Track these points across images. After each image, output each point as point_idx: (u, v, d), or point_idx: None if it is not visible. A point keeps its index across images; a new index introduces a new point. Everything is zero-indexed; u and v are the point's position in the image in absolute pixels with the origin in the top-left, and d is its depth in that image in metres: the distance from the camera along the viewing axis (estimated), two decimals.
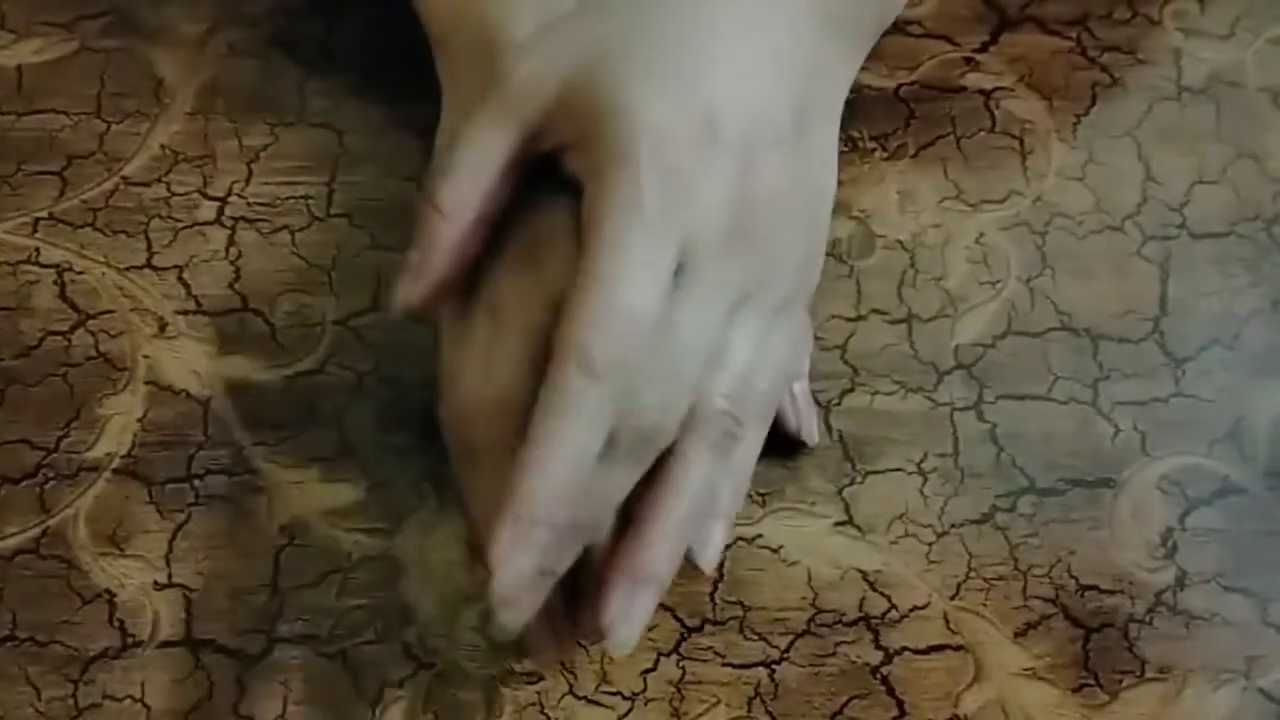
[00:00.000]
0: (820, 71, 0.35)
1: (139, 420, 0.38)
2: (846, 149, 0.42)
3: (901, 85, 0.44)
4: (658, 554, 0.31)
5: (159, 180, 0.42)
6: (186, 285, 0.40)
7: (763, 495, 0.37)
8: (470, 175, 0.32)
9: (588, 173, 0.31)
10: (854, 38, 0.37)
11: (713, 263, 0.31)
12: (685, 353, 0.31)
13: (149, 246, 0.41)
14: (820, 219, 0.35)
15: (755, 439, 0.34)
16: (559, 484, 0.29)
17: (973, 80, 0.44)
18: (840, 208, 0.39)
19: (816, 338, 0.39)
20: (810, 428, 0.38)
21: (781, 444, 0.37)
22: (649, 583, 0.31)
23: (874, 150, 0.42)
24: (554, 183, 0.32)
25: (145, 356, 0.39)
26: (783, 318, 0.34)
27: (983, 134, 0.43)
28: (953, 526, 0.37)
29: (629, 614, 0.31)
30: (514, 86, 0.32)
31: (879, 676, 0.35)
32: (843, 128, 0.36)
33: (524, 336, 0.31)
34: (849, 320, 0.40)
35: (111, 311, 0.40)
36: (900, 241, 0.41)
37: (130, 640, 0.35)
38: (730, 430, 0.32)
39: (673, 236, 0.30)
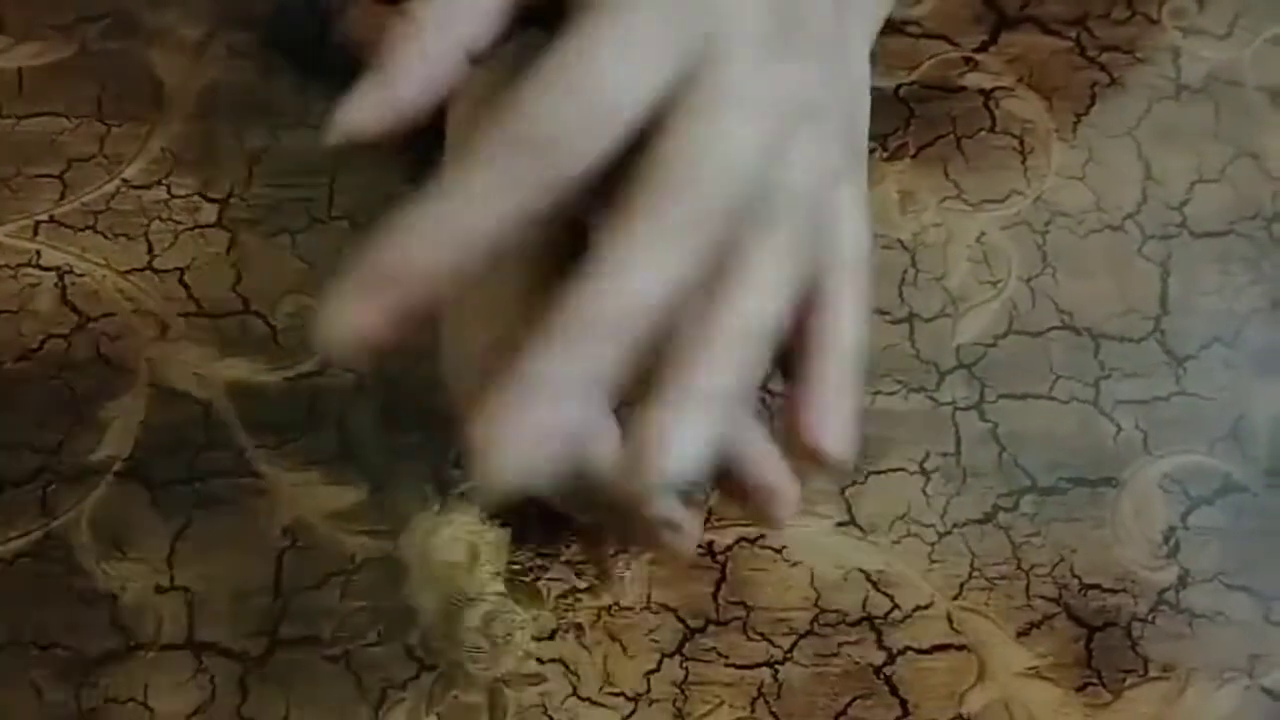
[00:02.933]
0: None
1: (141, 423, 0.38)
2: None
3: (901, 85, 0.44)
4: (713, 363, 0.24)
5: (159, 183, 0.42)
6: (187, 287, 0.40)
7: None
8: None
9: None
10: None
11: (748, 60, 0.26)
12: (724, 190, 0.24)
13: (150, 249, 0.41)
14: (857, 101, 0.31)
15: (778, 262, 0.26)
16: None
17: (972, 80, 0.44)
18: None
19: None
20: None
21: None
22: (708, 405, 0.24)
23: (874, 150, 0.42)
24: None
25: (147, 359, 0.39)
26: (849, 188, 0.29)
27: (983, 134, 0.43)
28: (955, 526, 0.37)
29: (688, 444, 0.23)
30: None
31: (882, 676, 0.35)
32: None
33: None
34: None
35: (113, 314, 0.40)
36: (901, 241, 0.41)
37: (133, 643, 0.35)
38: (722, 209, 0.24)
39: (684, 33, 0.25)
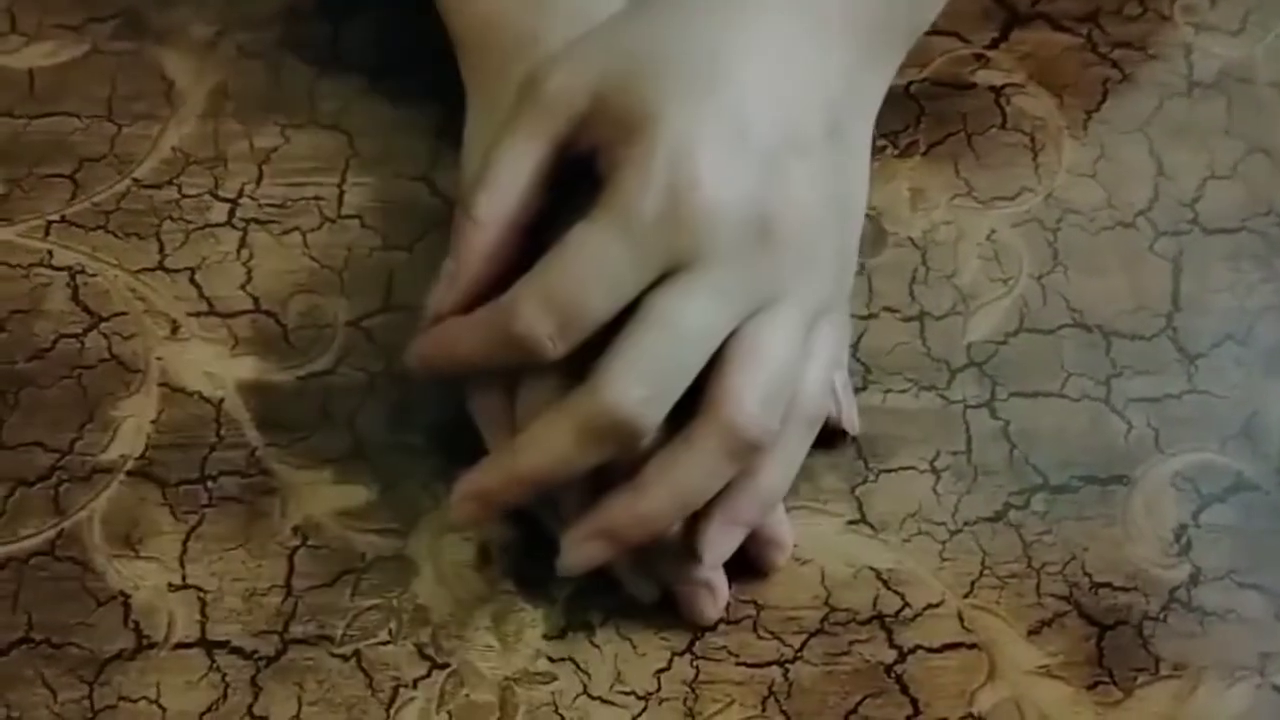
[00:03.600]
0: (852, 80, 0.35)
1: (152, 422, 0.38)
2: None
3: (912, 83, 0.44)
4: (633, 521, 0.32)
5: (170, 182, 0.42)
6: (198, 287, 0.40)
7: None
8: (505, 183, 0.33)
9: (607, 172, 0.32)
10: (886, 45, 0.37)
11: (725, 263, 0.32)
12: (673, 347, 0.31)
13: (161, 248, 0.41)
14: (852, 222, 0.36)
15: (802, 440, 0.35)
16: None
17: (983, 77, 0.44)
18: None
19: None
20: (851, 417, 0.38)
21: (820, 435, 0.36)
22: (612, 542, 0.33)
23: (885, 148, 0.42)
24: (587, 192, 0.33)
25: (158, 358, 0.39)
26: (826, 322, 0.35)
27: (994, 131, 0.43)
28: (966, 524, 0.37)
29: (579, 557, 0.33)
30: (547, 96, 0.33)
31: (893, 675, 0.35)
32: None
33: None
34: (861, 318, 0.40)
35: (124, 314, 0.40)
36: (912, 239, 0.41)
37: (145, 642, 0.35)
38: (752, 442, 0.32)
39: (662, 246, 0.31)
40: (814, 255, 0.34)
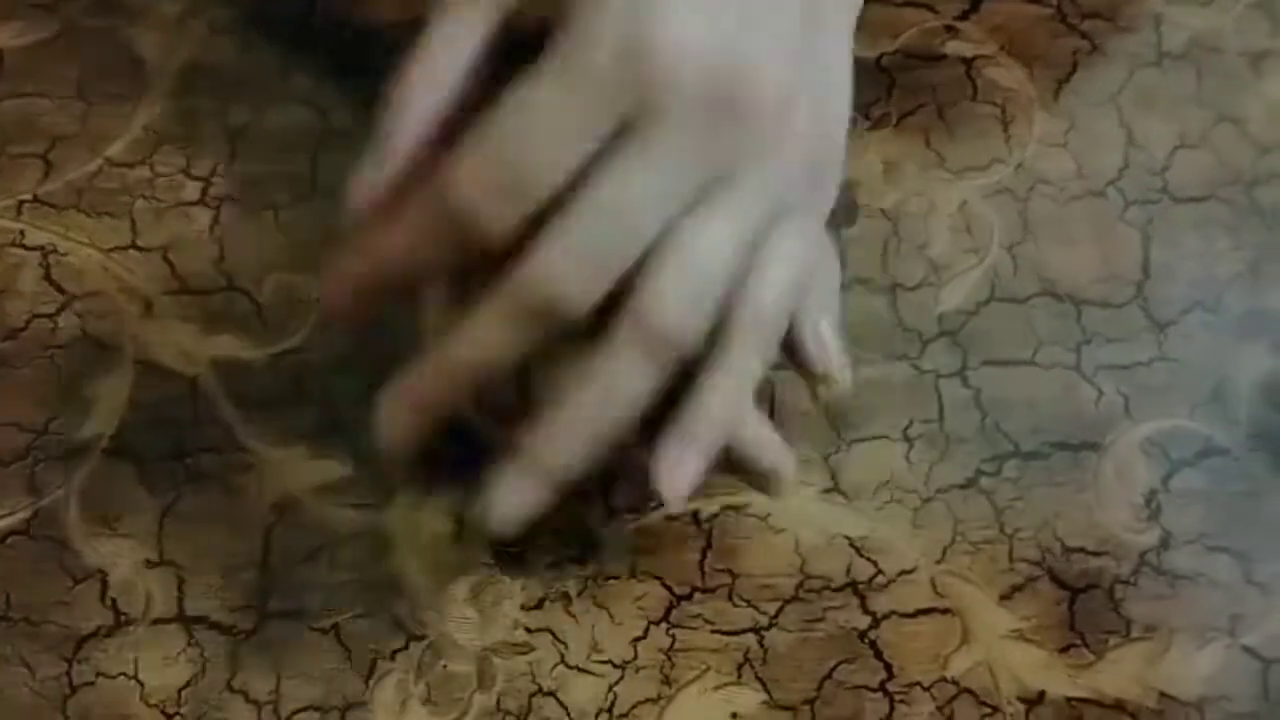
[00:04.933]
0: None
1: (127, 400, 0.38)
2: None
3: (883, 54, 0.44)
4: (554, 442, 0.30)
5: (142, 161, 0.42)
6: (172, 265, 0.40)
7: None
8: (441, 52, 0.29)
9: (556, 24, 0.28)
10: None
11: (683, 126, 0.28)
12: (611, 221, 0.28)
13: (133, 227, 0.41)
14: (829, 119, 0.32)
15: (751, 349, 0.30)
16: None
17: (954, 49, 0.44)
18: None
19: None
20: (841, 367, 0.33)
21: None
22: (538, 474, 0.30)
23: (855, 120, 0.42)
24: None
25: (132, 337, 0.39)
26: (788, 224, 0.30)
27: (965, 102, 0.43)
28: (938, 491, 0.37)
29: (508, 500, 0.30)
30: None
31: (867, 641, 0.36)
32: None
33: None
34: None
35: (97, 293, 0.40)
36: (883, 210, 0.41)
37: (123, 619, 0.36)
38: (670, 341, 0.29)
39: (615, 98, 0.28)
40: (782, 132, 0.30)
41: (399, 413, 0.31)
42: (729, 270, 0.29)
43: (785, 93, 0.29)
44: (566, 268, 0.28)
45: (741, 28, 0.28)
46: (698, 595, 0.36)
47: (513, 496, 0.30)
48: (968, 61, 0.44)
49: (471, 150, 0.28)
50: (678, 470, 0.30)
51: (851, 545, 0.37)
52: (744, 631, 0.36)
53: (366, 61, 0.43)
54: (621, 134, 0.28)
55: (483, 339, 0.29)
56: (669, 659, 0.35)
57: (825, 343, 0.33)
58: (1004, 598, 0.36)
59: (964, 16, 0.44)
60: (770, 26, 0.29)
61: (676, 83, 0.28)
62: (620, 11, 0.27)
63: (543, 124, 0.28)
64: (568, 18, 0.28)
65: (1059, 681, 0.35)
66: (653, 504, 0.35)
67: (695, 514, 0.37)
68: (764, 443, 0.33)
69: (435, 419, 0.31)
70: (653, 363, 0.29)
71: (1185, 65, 0.44)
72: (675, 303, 0.29)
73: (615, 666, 0.35)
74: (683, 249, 0.29)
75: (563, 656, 0.35)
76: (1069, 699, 0.35)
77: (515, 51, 0.30)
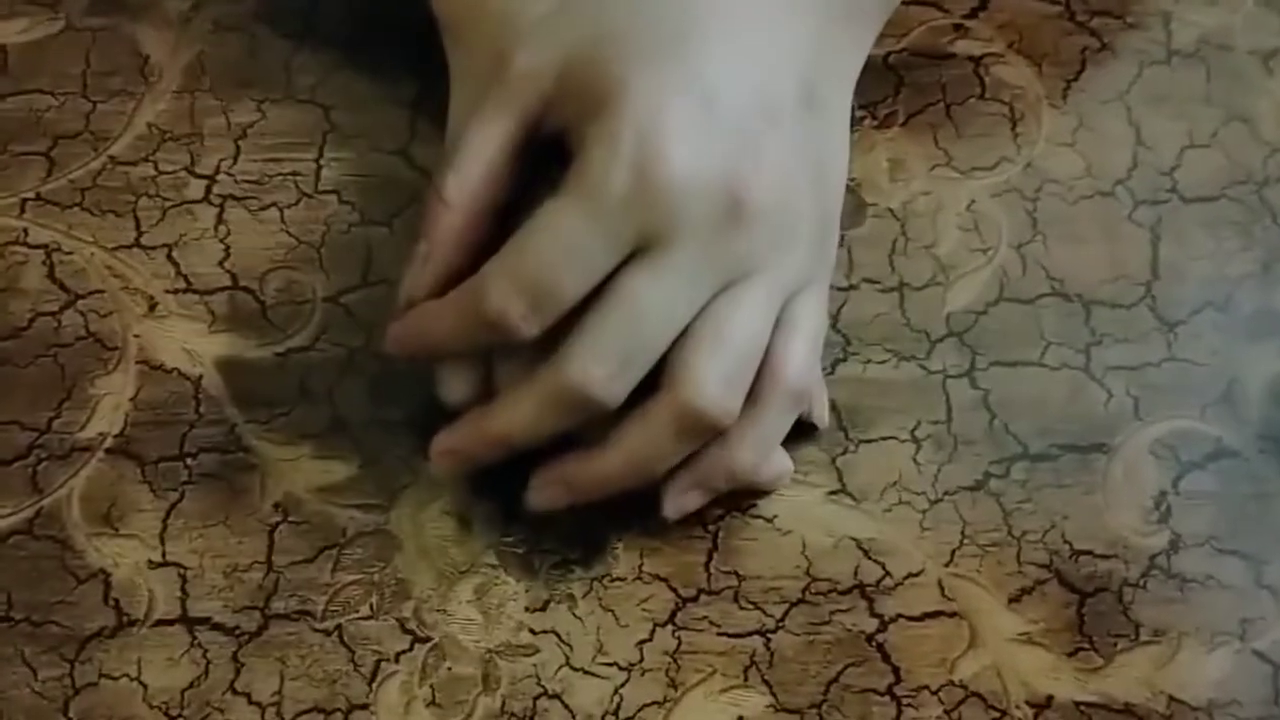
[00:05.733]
0: (827, 46, 0.35)
1: (130, 400, 0.38)
2: None
3: (890, 53, 0.43)
4: (580, 492, 0.34)
5: (146, 159, 0.42)
6: (176, 264, 0.40)
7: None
8: (473, 164, 0.33)
9: (575, 148, 0.32)
10: (862, 12, 0.37)
11: (695, 241, 0.31)
12: (635, 330, 0.31)
13: (137, 226, 0.41)
14: (830, 192, 0.35)
15: (781, 414, 0.34)
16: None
17: (962, 47, 0.44)
18: None
19: None
20: (821, 409, 0.37)
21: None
22: (571, 492, 0.34)
23: (863, 118, 0.42)
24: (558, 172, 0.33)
25: (136, 336, 0.39)
26: (805, 295, 0.34)
27: (973, 101, 0.43)
28: (946, 494, 0.37)
29: (545, 500, 0.34)
30: (514, 74, 0.33)
31: (874, 644, 0.35)
32: None
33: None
34: (841, 290, 0.40)
35: (101, 291, 0.40)
36: (891, 210, 0.41)
37: (126, 619, 0.35)
38: (709, 423, 0.32)
39: (631, 223, 0.31)
40: (789, 228, 0.33)
41: (444, 460, 0.35)
42: (758, 349, 0.33)
43: (786, 190, 0.33)
44: (597, 371, 0.31)
45: (743, 143, 0.32)
46: (704, 597, 0.36)
47: (544, 498, 0.34)
48: (976, 60, 0.43)
49: (502, 267, 0.31)
50: (684, 508, 0.35)
51: (859, 547, 0.36)
52: (750, 634, 0.35)
53: (370, 60, 0.43)
54: (641, 249, 0.31)
55: (520, 420, 0.33)
56: (675, 661, 0.35)
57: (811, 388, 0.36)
58: (1012, 601, 0.36)
59: (972, 15, 0.44)
60: (771, 133, 0.32)
61: (684, 207, 0.31)
62: (630, 146, 0.31)
63: (566, 246, 0.31)
64: (585, 144, 0.31)
65: (1067, 685, 0.35)
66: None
67: (701, 516, 0.36)
68: (777, 478, 0.37)
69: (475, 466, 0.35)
70: (686, 438, 0.33)
71: (1195, 63, 0.44)
72: (713, 386, 0.32)
73: (621, 669, 0.35)
74: (716, 335, 0.32)
75: (568, 659, 0.35)
76: (1077, 703, 0.35)
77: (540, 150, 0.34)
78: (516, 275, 0.31)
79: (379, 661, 0.35)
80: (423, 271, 0.33)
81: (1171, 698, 0.35)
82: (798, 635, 0.35)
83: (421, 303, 0.34)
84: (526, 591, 0.36)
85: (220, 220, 0.41)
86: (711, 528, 0.37)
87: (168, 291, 0.40)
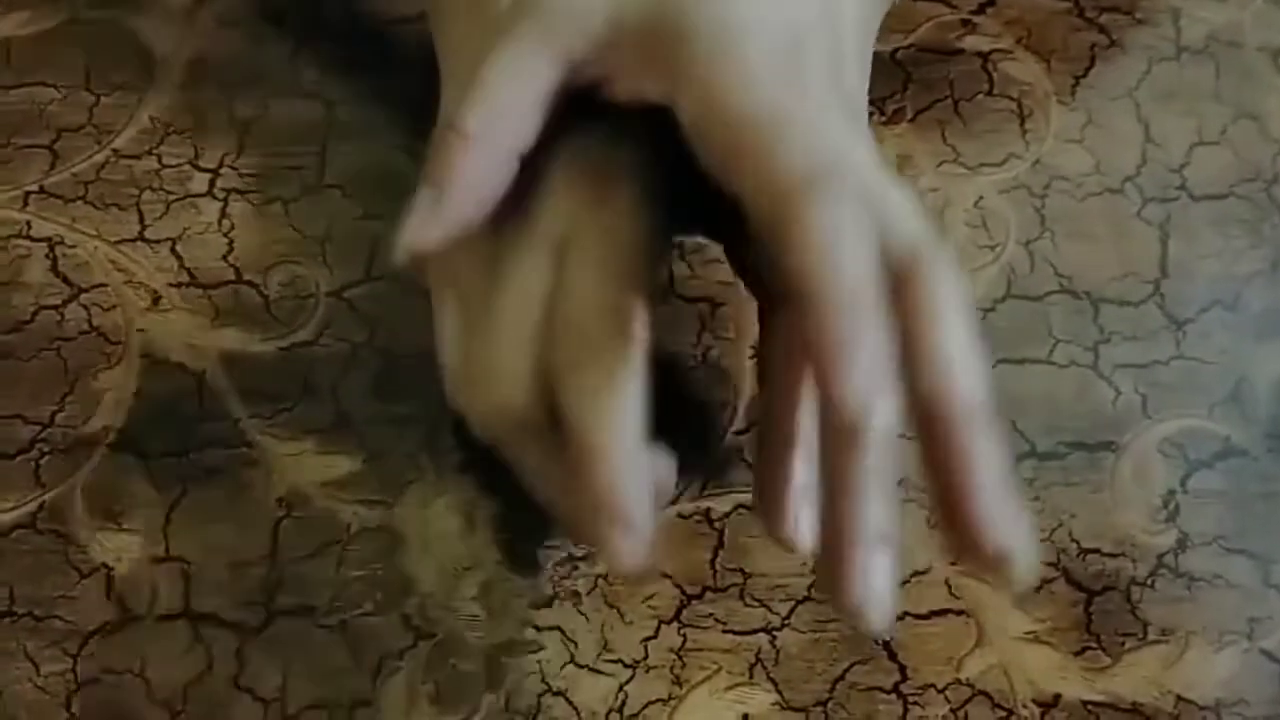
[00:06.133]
0: None
1: (134, 394, 0.38)
2: None
3: (898, 49, 0.43)
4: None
5: (150, 153, 0.41)
6: (179, 258, 0.40)
7: None
8: (501, 98, 0.28)
9: (677, 84, 0.28)
10: None
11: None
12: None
13: (141, 219, 0.40)
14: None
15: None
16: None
17: (970, 43, 0.44)
18: None
19: None
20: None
21: None
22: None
23: (871, 114, 0.42)
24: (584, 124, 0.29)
25: (139, 330, 0.39)
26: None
27: (981, 97, 0.43)
28: None
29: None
30: (554, 13, 0.28)
31: (880, 642, 0.35)
32: None
33: (531, 309, 0.29)
34: None
35: (104, 285, 0.39)
36: None
37: (129, 614, 0.35)
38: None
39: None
40: None
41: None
42: None
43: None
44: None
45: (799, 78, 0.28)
46: (709, 594, 0.36)
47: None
48: (984, 55, 0.43)
49: (843, 353, 0.24)
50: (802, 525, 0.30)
51: None
52: (756, 631, 0.35)
53: (374, 54, 0.43)
54: None
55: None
56: (680, 659, 0.35)
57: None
58: (1019, 599, 0.36)
59: (980, 10, 0.44)
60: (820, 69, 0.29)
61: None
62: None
63: (851, 288, 0.25)
64: (689, 114, 0.28)
65: (1075, 684, 0.35)
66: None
67: (707, 513, 0.36)
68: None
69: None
70: None
71: (1204, 60, 0.43)
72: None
73: (626, 666, 0.35)
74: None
75: (572, 656, 0.35)
76: (1085, 702, 0.35)
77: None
78: (855, 353, 0.24)
79: (383, 658, 0.35)
80: (432, 218, 0.28)
81: (1179, 697, 0.35)
82: (803, 633, 0.35)
83: (429, 250, 0.29)
84: (531, 588, 0.36)
85: (224, 214, 0.40)
86: (717, 525, 0.36)
87: (171, 285, 0.39)
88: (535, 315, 0.29)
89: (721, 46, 0.27)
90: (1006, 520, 0.25)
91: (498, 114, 0.28)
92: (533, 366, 0.29)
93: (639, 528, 0.27)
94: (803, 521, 0.30)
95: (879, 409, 0.24)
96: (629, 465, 0.27)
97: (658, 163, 0.31)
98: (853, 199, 0.26)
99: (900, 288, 0.26)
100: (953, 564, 0.36)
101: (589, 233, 0.29)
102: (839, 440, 0.25)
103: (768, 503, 0.31)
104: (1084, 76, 0.43)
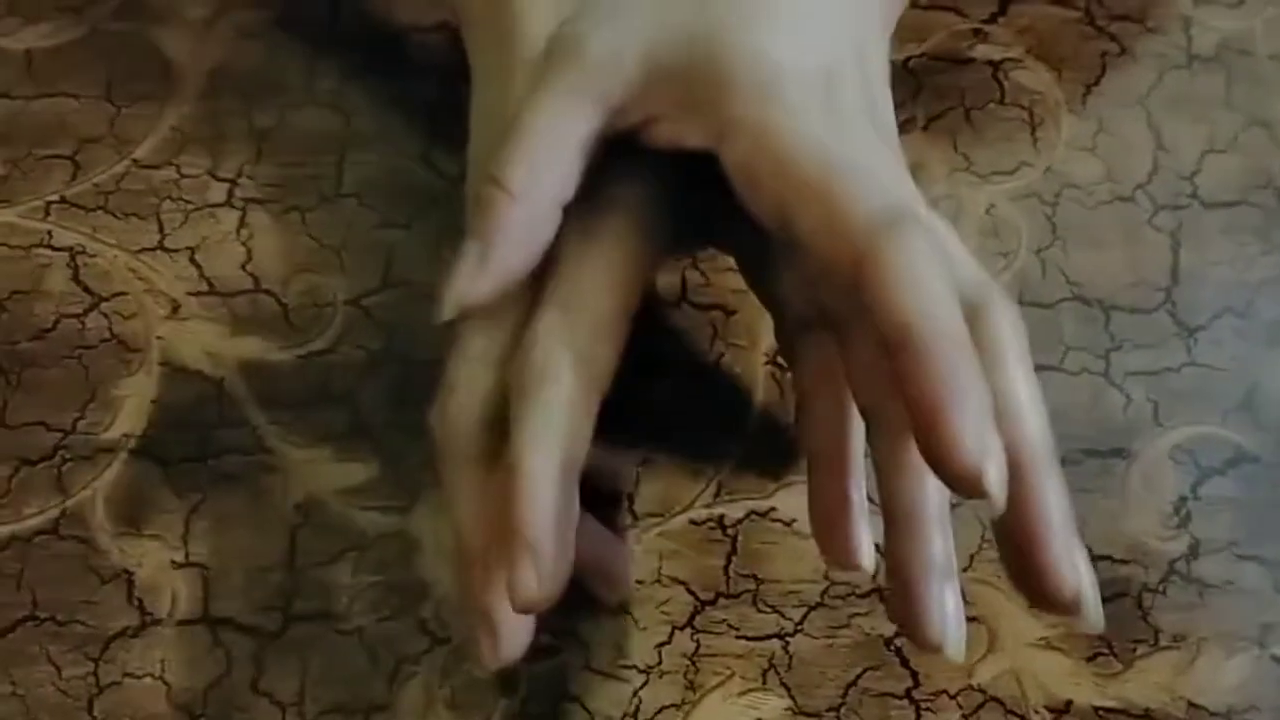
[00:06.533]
0: (868, 20, 0.33)
1: (154, 401, 0.38)
2: None
3: (910, 58, 0.44)
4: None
5: (169, 163, 0.42)
6: (198, 266, 0.40)
7: (774, 468, 0.37)
8: (543, 152, 0.29)
9: (722, 128, 0.28)
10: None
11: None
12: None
13: (160, 228, 0.41)
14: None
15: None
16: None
17: (982, 52, 0.44)
18: None
19: None
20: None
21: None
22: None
23: None
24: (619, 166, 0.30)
25: (159, 338, 0.39)
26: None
27: (992, 105, 0.43)
28: None
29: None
30: (590, 60, 0.29)
31: (893, 648, 0.35)
32: None
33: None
34: None
35: (124, 294, 0.40)
36: None
37: (149, 619, 0.36)
38: None
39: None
40: None
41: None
42: None
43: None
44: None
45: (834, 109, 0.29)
46: (722, 600, 0.36)
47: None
48: (995, 64, 0.44)
49: (958, 410, 0.24)
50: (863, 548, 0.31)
51: (878, 550, 0.36)
52: (769, 637, 0.35)
53: (391, 64, 0.43)
54: None
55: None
56: (693, 664, 0.35)
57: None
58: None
59: (992, 19, 0.44)
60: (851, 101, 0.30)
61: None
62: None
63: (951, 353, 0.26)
64: (723, 147, 0.28)
65: (1086, 690, 0.35)
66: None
67: (720, 519, 0.37)
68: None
69: None
70: None
71: (1215, 68, 0.44)
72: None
73: (640, 671, 0.35)
74: None
75: (587, 661, 0.35)
76: (1096, 708, 0.35)
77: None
78: (965, 401, 0.24)
79: (399, 663, 0.35)
80: (479, 272, 0.29)
81: (1190, 703, 0.35)
82: (816, 639, 0.35)
83: (477, 304, 0.29)
84: None
85: (242, 223, 0.41)
86: (730, 531, 0.37)
87: (190, 294, 0.40)
88: (505, 337, 0.30)
89: (762, 89, 0.28)
90: (1078, 564, 0.25)
91: (541, 167, 0.29)
92: (494, 386, 0.30)
93: (545, 559, 0.27)
94: (863, 544, 0.30)
95: (993, 464, 0.24)
96: (550, 495, 0.28)
97: (651, 195, 0.31)
98: (929, 239, 0.26)
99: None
100: (964, 570, 0.36)
101: (567, 263, 0.30)
102: (925, 483, 0.26)
103: (824, 528, 0.31)
104: (1095, 85, 0.43)
